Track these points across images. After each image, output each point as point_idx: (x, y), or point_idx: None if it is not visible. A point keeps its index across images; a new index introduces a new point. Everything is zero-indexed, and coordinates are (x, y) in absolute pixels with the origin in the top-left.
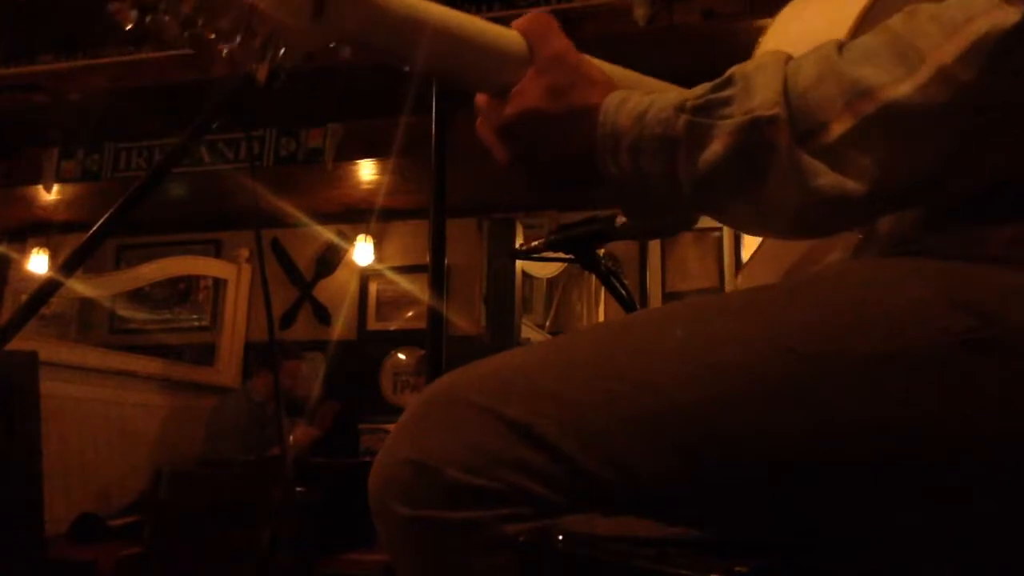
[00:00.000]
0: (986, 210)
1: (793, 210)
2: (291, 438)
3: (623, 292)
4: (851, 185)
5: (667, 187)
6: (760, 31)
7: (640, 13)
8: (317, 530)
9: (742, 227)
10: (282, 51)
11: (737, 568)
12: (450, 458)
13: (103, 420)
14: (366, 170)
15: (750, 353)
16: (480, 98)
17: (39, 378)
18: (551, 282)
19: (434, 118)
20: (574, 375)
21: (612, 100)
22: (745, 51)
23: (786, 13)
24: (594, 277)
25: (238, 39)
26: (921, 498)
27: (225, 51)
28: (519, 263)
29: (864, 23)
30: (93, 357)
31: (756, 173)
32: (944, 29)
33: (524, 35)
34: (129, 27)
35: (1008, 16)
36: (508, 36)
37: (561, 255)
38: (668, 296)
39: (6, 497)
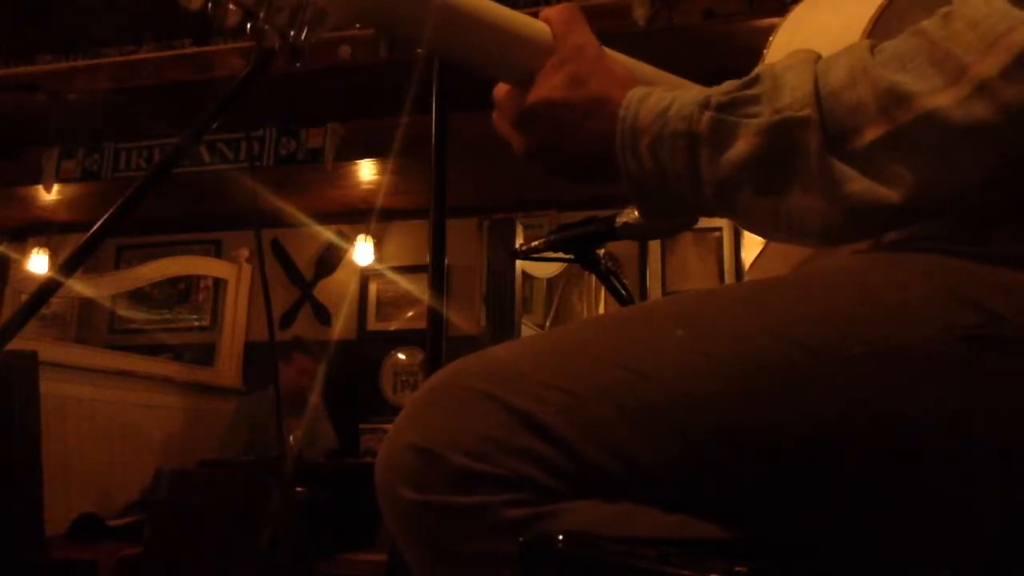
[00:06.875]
0: (992, 208)
1: (820, 216)
2: (291, 438)
3: (623, 292)
4: (884, 193)
5: (687, 185)
6: (760, 31)
7: (640, 13)
8: (317, 530)
9: (763, 232)
10: (305, 29)
11: (737, 568)
12: (455, 444)
13: (103, 420)
14: (366, 170)
15: (753, 345)
16: (499, 90)
17: (39, 378)
18: (551, 282)
19: (434, 118)
20: (577, 364)
21: (634, 95)
22: (745, 51)
23: (796, 12)
24: (594, 277)
25: (262, 14)
26: (920, 495)
27: (249, 27)
28: (519, 263)
29: (879, 23)
30: (93, 357)
31: (783, 175)
32: (984, 39)
33: (550, 25)
34: None
35: None
36: (533, 24)
37: (561, 255)
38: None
39: (6, 497)
